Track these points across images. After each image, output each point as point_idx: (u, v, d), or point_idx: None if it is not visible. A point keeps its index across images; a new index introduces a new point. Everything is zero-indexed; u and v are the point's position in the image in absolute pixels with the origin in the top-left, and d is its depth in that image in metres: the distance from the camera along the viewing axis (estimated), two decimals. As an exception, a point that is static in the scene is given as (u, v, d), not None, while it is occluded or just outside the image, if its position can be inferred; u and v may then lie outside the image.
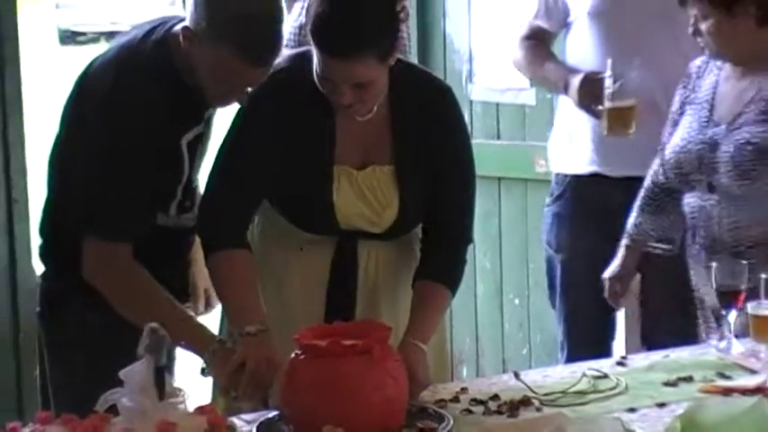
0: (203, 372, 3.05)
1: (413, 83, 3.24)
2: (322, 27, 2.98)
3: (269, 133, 3.14)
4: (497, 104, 4.96)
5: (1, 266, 4.41)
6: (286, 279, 3.24)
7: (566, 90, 4.10)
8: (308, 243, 3.20)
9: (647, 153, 3.91)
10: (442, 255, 3.23)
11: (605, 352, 3.49)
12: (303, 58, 3.13)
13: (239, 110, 3.19)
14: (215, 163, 3.18)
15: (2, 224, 4.41)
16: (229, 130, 3.19)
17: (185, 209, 3.31)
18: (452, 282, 3.23)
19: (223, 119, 3.31)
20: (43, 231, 3.36)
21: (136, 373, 2.51)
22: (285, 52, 3.29)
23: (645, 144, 3.91)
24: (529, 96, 4.82)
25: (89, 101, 3.22)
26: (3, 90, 4.39)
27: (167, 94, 3.14)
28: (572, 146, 4.21)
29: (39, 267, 3.54)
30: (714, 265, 3.23)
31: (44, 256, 3.39)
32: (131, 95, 3.11)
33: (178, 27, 3.12)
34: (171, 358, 3.11)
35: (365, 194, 3.15)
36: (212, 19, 3.02)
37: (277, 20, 3.09)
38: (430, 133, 3.18)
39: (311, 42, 3.02)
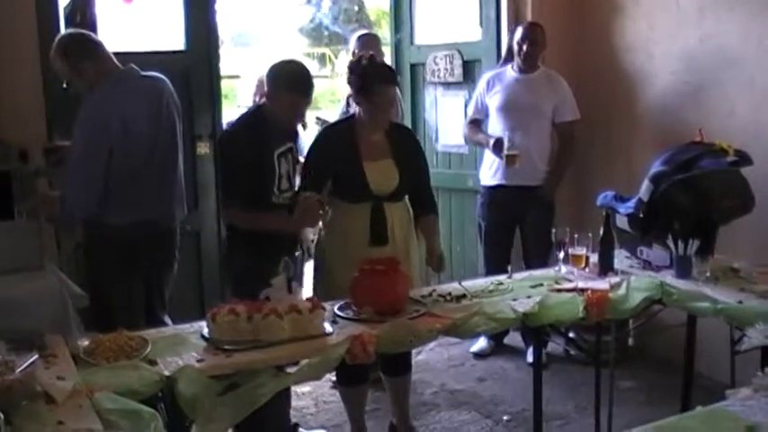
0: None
1: (397, 124, 3.23)
2: (381, 72, 2.98)
3: (323, 153, 3.05)
4: (450, 153, 4.89)
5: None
6: (348, 228, 3.02)
7: (487, 145, 4.06)
8: (355, 210, 3.00)
9: (525, 174, 4.00)
10: (426, 205, 3.17)
11: (504, 270, 3.54)
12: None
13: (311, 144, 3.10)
14: (302, 173, 3.07)
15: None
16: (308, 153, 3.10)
17: (283, 190, 2.97)
18: (436, 210, 3.19)
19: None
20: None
21: (278, 279, 2.55)
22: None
23: (524, 170, 3.97)
24: (465, 149, 4.75)
25: (222, 141, 3.08)
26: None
27: (261, 129, 2.92)
28: (489, 171, 4.16)
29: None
30: (554, 230, 3.15)
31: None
32: (246, 133, 2.92)
33: (263, 101, 3.00)
34: (299, 274, 2.98)
35: (381, 171, 3.03)
36: (279, 81, 2.89)
37: (308, 71, 2.95)
38: (408, 146, 3.13)
39: (373, 86, 2.92)
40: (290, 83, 2.88)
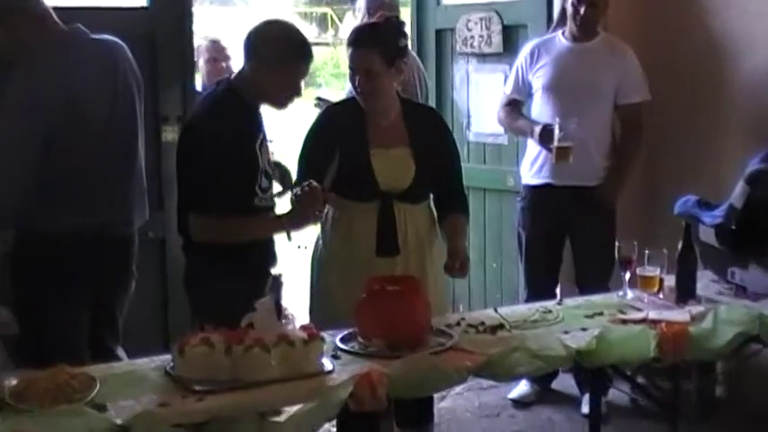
0: (289, 238, 2.89)
1: (415, 104, 3.28)
2: (351, 34, 3.05)
3: (326, 139, 3.05)
4: (484, 144, 4.90)
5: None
6: (351, 232, 3.06)
7: (531, 135, 4.05)
8: (361, 211, 3.04)
9: (580, 172, 3.96)
10: (454, 202, 3.18)
11: (551, 295, 3.47)
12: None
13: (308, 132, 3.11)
14: (299, 164, 3.08)
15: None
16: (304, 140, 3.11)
17: (264, 189, 2.94)
18: (466, 212, 3.21)
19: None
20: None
21: (264, 303, 2.51)
22: None
23: (578, 167, 3.93)
24: (504, 139, 4.76)
25: (194, 132, 2.91)
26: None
27: (239, 116, 2.87)
28: (533, 167, 4.16)
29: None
30: (617, 244, 3.16)
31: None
32: (218, 121, 2.84)
33: (234, 76, 2.94)
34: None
35: (393, 163, 3.05)
36: (271, 49, 2.84)
37: (303, 34, 2.94)
38: (431, 129, 3.15)
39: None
40: (283, 50, 2.85)
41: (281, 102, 2.93)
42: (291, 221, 2.85)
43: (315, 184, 2.81)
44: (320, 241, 3.17)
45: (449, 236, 3.13)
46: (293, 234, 2.86)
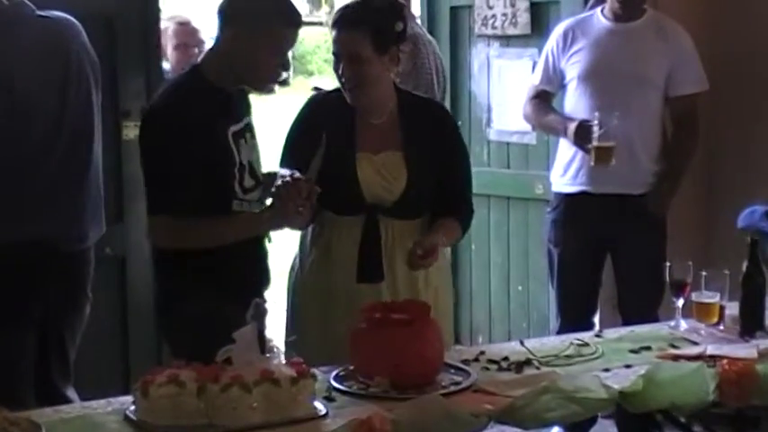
0: (269, 239, 2.92)
1: (416, 98, 3.25)
2: (337, 12, 3.03)
3: (311, 131, 3.04)
4: (508, 143, 4.92)
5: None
6: (330, 252, 3.05)
7: (564, 133, 4.07)
8: (342, 226, 3.05)
9: (623, 177, 3.97)
10: (451, 212, 3.13)
11: (588, 324, 3.45)
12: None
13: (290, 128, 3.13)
14: (281, 157, 3.09)
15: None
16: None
17: (248, 189, 2.92)
18: (462, 220, 3.15)
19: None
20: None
21: (244, 334, 2.50)
22: None
23: (621, 171, 3.95)
24: (531, 138, 4.79)
25: (149, 120, 2.93)
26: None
27: (205, 100, 2.85)
28: (567, 172, 4.17)
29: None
30: (668, 264, 3.17)
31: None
32: (178, 106, 2.84)
33: (203, 56, 2.96)
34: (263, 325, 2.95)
35: (381, 171, 3.04)
36: (255, 13, 2.84)
37: None
38: (432, 128, 3.13)
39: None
40: (266, 11, 2.85)
41: (263, 78, 2.94)
42: (270, 220, 2.85)
43: (298, 175, 2.81)
44: (297, 261, 3.17)
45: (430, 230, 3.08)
46: (272, 235, 2.86)
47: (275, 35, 2.86)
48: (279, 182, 2.82)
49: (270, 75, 2.94)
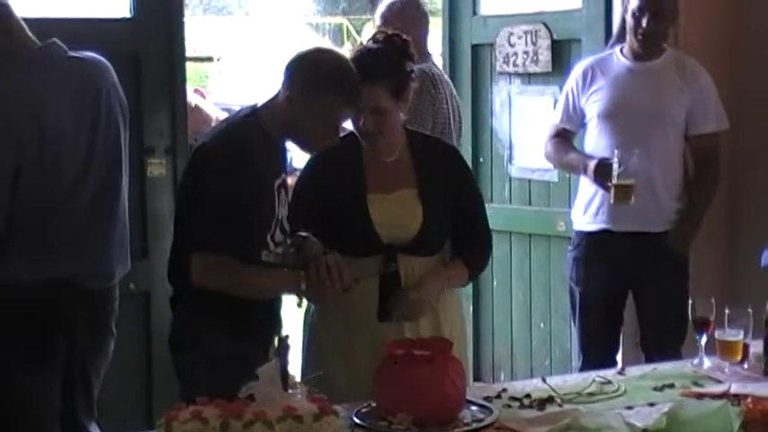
0: (299, 305, 2.94)
1: (425, 136, 3.29)
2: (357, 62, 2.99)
3: (311, 181, 3.10)
4: (529, 180, 4.93)
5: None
6: (351, 293, 2.98)
7: (584, 171, 4.07)
8: (360, 266, 3.01)
9: (644, 215, 3.97)
10: (469, 250, 3.17)
11: (610, 362, 3.43)
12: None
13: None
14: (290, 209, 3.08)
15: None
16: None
17: (277, 243, 2.96)
18: (472, 267, 3.18)
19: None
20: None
21: (267, 370, 2.50)
22: None
23: (642, 209, 3.94)
24: (553, 175, 4.79)
25: (205, 157, 2.90)
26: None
27: (261, 147, 2.89)
28: (588, 210, 4.17)
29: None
30: (690, 301, 3.15)
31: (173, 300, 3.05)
32: (237, 147, 2.86)
33: (263, 103, 2.96)
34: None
35: (395, 210, 3.05)
36: (317, 77, 2.87)
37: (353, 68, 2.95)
38: (444, 166, 3.15)
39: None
40: (328, 81, 2.87)
41: (312, 141, 2.96)
42: (305, 293, 2.89)
43: (338, 256, 2.85)
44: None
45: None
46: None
47: (332, 109, 2.89)
48: (311, 246, 2.91)
49: (317, 142, 2.97)
